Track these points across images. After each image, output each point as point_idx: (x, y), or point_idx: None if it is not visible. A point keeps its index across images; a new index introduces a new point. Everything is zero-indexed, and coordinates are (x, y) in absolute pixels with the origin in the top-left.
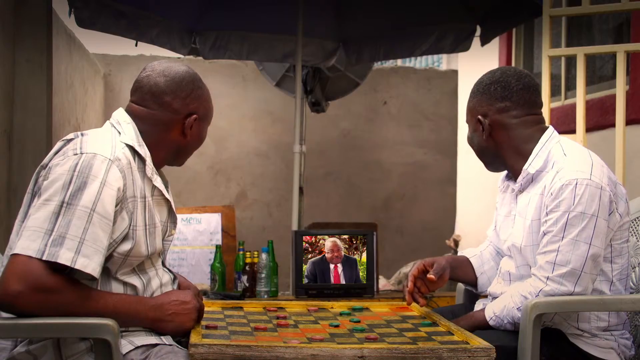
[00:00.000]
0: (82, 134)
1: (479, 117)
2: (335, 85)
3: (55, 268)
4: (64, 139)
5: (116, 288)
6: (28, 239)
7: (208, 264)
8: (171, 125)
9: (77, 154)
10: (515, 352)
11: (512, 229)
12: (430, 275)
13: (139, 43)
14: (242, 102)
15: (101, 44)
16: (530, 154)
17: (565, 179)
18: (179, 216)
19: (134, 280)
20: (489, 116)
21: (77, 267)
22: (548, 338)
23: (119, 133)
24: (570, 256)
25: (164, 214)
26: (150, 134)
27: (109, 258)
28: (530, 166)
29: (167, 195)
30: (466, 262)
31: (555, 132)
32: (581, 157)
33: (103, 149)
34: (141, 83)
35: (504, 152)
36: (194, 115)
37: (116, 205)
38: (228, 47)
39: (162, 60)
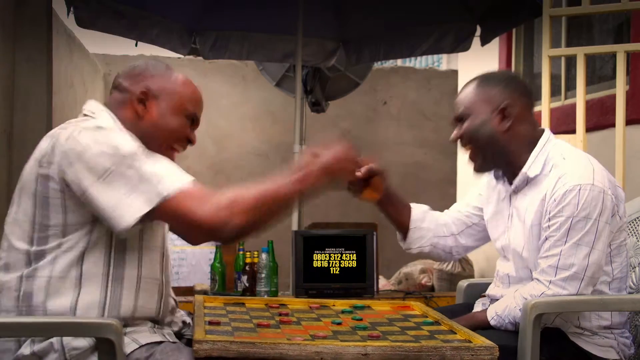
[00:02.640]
0: (62, 126)
1: (506, 104)
2: (335, 85)
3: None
4: (46, 136)
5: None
6: (142, 199)
7: (208, 264)
8: (125, 104)
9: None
10: (515, 352)
11: (508, 231)
12: (358, 173)
13: (139, 43)
14: (242, 102)
15: (101, 44)
16: (529, 155)
17: (569, 185)
18: None
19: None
20: (514, 108)
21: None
22: (548, 337)
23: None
24: (573, 260)
25: None
26: (119, 119)
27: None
28: (530, 169)
29: None
30: (407, 205)
31: (551, 134)
32: (581, 161)
33: (105, 123)
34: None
35: (513, 147)
36: (143, 90)
37: None
38: (228, 47)
39: None
